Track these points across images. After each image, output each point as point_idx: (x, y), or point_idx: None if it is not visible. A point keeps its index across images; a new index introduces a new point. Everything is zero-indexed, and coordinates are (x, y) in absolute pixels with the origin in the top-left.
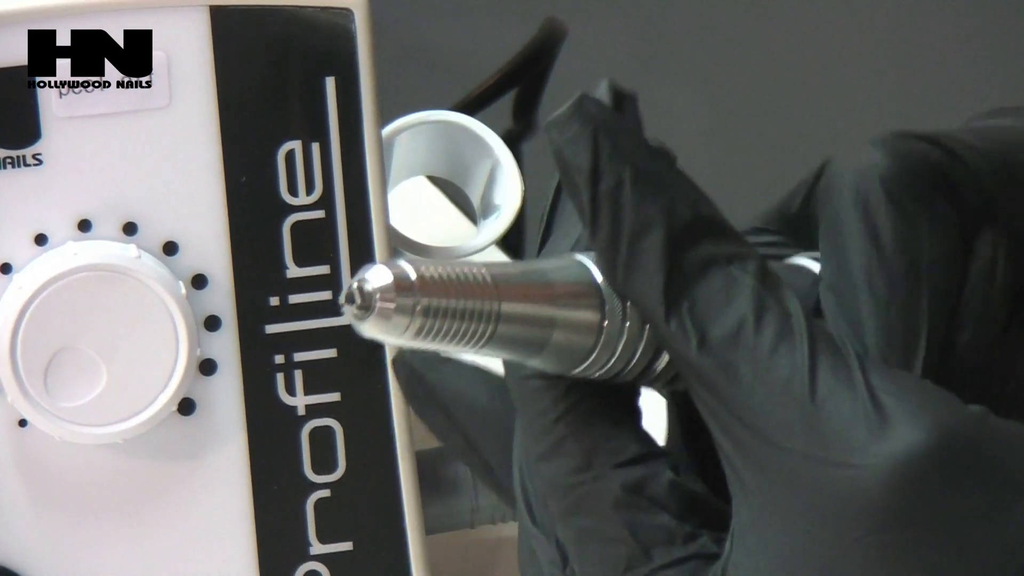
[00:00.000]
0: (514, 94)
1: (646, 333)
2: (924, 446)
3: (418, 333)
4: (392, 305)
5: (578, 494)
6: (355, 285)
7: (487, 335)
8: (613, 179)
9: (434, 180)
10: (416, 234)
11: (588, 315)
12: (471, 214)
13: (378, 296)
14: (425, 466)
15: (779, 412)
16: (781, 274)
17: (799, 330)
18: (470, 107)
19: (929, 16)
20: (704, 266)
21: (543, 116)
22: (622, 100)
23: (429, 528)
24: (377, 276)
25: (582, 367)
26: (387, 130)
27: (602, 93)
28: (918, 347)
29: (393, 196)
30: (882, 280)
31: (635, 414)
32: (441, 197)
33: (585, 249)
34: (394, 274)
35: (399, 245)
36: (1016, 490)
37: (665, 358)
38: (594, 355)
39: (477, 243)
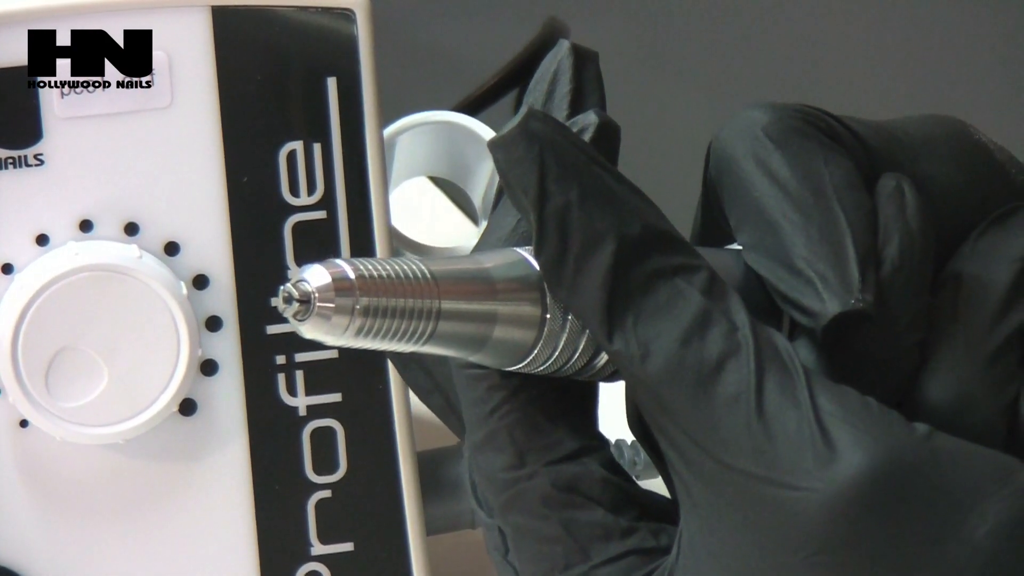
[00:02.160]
0: (515, 94)
1: (587, 330)
2: (869, 472)
3: (359, 333)
4: (332, 305)
5: (512, 492)
6: (293, 286)
7: (428, 332)
8: (560, 200)
9: (435, 180)
10: (417, 235)
11: (529, 310)
12: (473, 215)
13: (317, 296)
14: (426, 467)
15: (725, 429)
16: (717, 263)
17: (745, 344)
18: (471, 107)
19: (930, 17)
20: (650, 279)
21: None
22: (584, 61)
23: (430, 529)
24: (315, 276)
25: (524, 362)
26: (388, 130)
27: (563, 55)
28: (847, 253)
29: (394, 197)
30: (794, 211)
31: (578, 405)
32: (443, 198)
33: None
34: (332, 274)
35: (400, 245)
36: (961, 511)
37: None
38: (536, 350)
39: None
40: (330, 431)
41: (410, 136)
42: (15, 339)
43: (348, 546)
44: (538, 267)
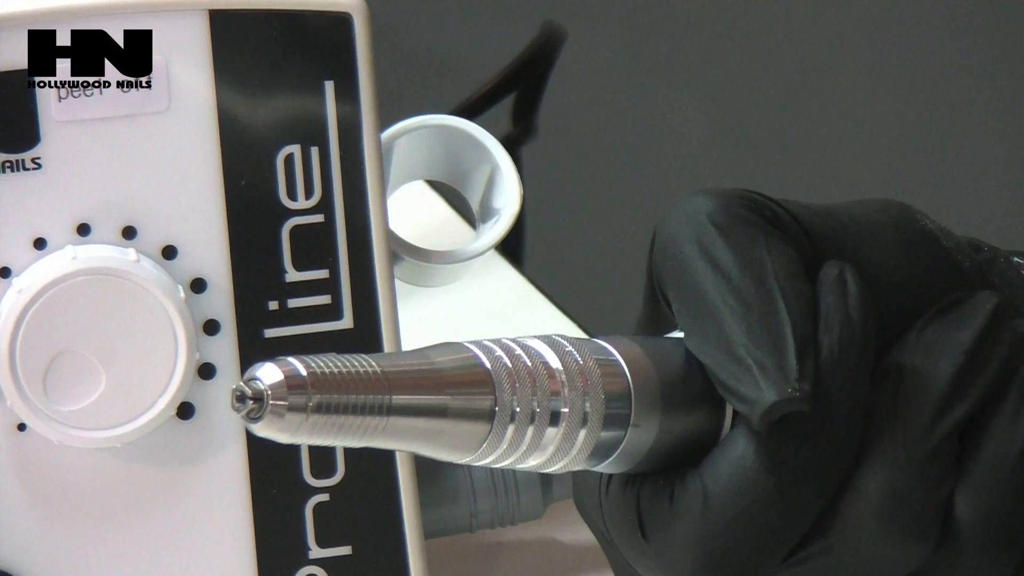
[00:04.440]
0: (513, 98)
1: (535, 421)
2: None
3: (312, 429)
4: (285, 403)
5: None
6: (246, 384)
7: (381, 427)
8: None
9: (433, 184)
10: (415, 238)
11: (478, 403)
12: (470, 218)
13: (270, 395)
14: (424, 470)
15: None
16: (659, 351)
17: None
18: (469, 111)
19: (929, 23)
20: None
21: (542, 120)
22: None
23: (428, 532)
24: (268, 375)
25: (473, 455)
26: (386, 134)
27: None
28: (785, 341)
29: (392, 200)
30: (735, 299)
31: None
32: (440, 201)
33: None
34: (284, 372)
35: (398, 249)
36: None
37: (547, 452)
38: (487, 442)
39: (476, 247)
40: None
41: (408, 140)
42: (13, 343)
43: (346, 549)
44: (485, 359)
